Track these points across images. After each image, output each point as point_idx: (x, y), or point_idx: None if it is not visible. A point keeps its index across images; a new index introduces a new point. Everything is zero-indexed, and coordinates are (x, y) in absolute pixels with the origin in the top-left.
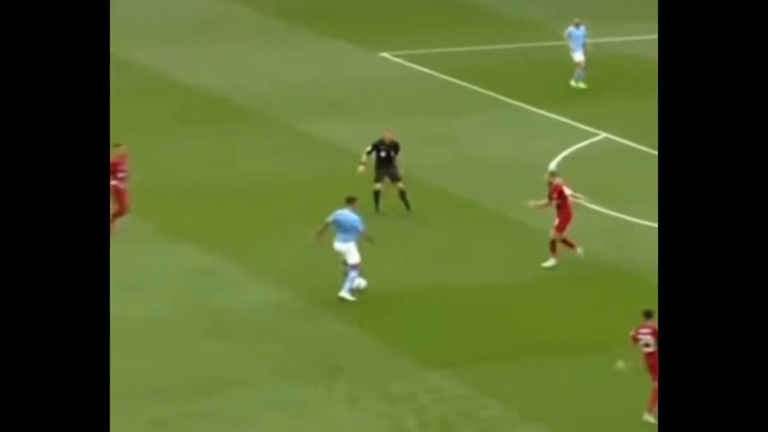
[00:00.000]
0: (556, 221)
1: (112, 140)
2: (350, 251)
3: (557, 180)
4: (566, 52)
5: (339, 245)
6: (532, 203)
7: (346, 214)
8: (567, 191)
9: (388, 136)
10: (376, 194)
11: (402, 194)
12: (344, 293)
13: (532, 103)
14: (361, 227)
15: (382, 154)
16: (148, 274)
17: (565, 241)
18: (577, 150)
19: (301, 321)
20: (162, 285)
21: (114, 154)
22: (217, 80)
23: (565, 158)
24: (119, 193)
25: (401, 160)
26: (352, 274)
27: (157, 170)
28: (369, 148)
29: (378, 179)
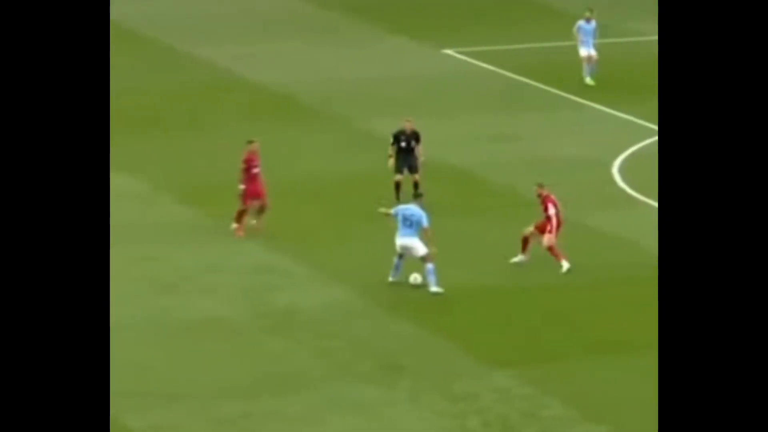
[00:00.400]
0: (549, 227)
1: (114, 137)
2: (416, 245)
3: (545, 191)
4: (630, 48)
5: (403, 240)
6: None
7: (413, 208)
8: (551, 210)
9: (409, 126)
10: (397, 185)
11: (415, 185)
12: (435, 288)
13: (598, 100)
14: (425, 223)
15: (403, 144)
16: (212, 271)
17: (526, 241)
18: (643, 147)
19: (364, 320)
20: (226, 282)
21: (246, 150)
22: (282, 77)
23: (630, 155)
24: (255, 190)
25: (422, 151)
26: (430, 266)
27: (222, 167)
28: (392, 140)
29: (398, 170)
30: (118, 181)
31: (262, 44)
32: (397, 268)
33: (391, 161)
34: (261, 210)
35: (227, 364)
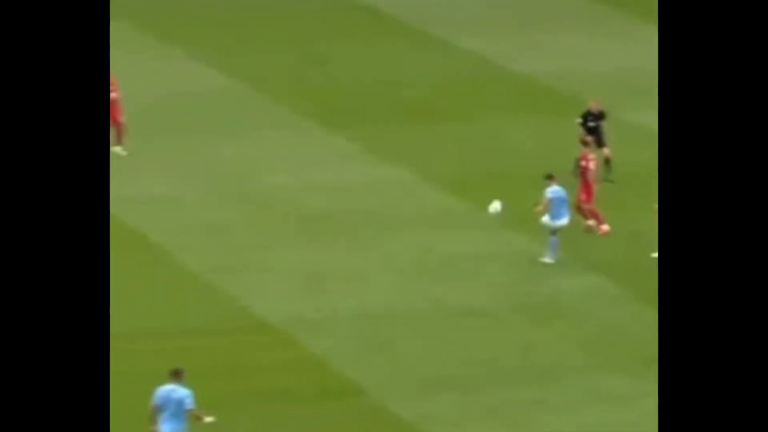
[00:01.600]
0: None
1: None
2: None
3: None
4: None
5: (566, 219)
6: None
7: (557, 189)
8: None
9: (595, 106)
10: (606, 161)
11: (607, 161)
12: (549, 259)
13: None
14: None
15: (591, 124)
16: (477, 260)
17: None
18: None
19: (623, 310)
20: (490, 271)
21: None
22: (544, 67)
23: None
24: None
25: (606, 127)
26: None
27: (489, 157)
28: (580, 120)
29: (600, 146)
30: (388, 171)
31: (525, 35)
32: (555, 247)
33: (588, 140)
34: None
35: (491, 353)
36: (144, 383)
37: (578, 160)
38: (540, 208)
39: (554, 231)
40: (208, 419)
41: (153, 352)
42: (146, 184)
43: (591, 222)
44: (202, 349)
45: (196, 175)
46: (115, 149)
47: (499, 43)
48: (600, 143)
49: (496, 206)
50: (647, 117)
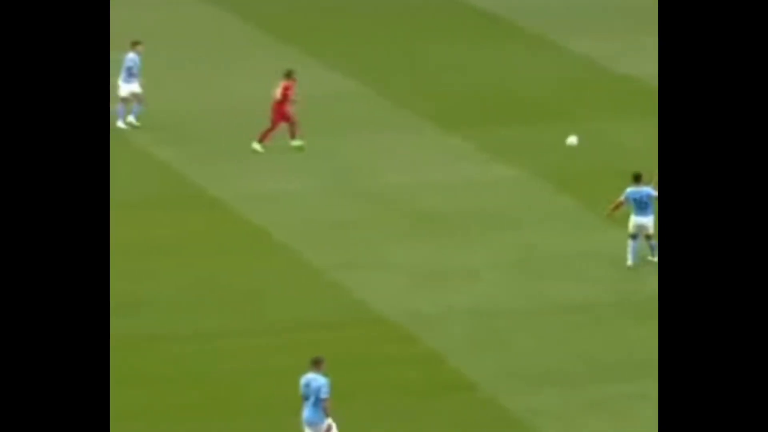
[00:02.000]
0: None
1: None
2: (650, 224)
3: None
4: None
5: (640, 219)
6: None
7: (640, 190)
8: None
9: None
10: None
11: None
12: (655, 258)
13: None
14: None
15: None
16: (582, 258)
17: None
18: None
19: None
20: (595, 269)
21: None
22: (650, 69)
23: None
24: None
25: None
26: (654, 242)
27: (600, 156)
28: None
29: None
30: (501, 170)
31: (635, 38)
32: (634, 251)
33: None
34: None
35: (594, 349)
36: (270, 377)
37: None
38: (607, 212)
39: (648, 234)
40: (328, 420)
41: (277, 347)
42: (274, 182)
43: None
44: (324, 342)
45: (321, 174)
46: (294, 142)
47: (608, 46)
48: None
49: (572, 140)
50: None
